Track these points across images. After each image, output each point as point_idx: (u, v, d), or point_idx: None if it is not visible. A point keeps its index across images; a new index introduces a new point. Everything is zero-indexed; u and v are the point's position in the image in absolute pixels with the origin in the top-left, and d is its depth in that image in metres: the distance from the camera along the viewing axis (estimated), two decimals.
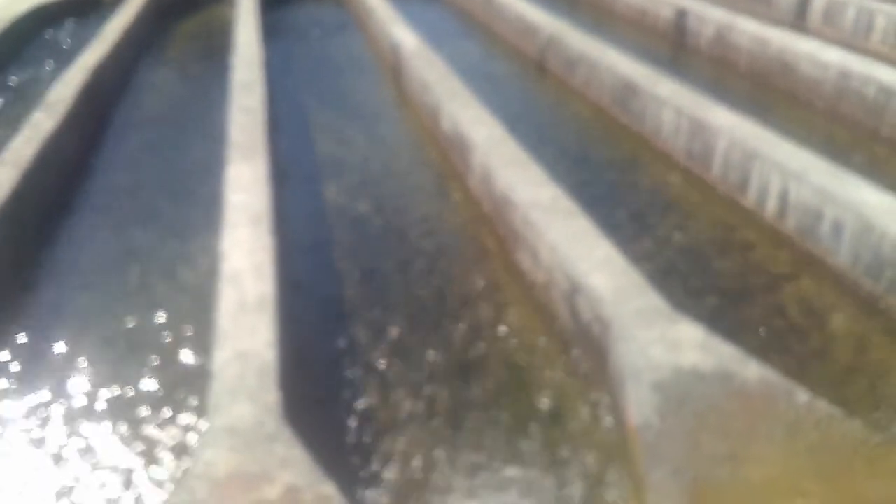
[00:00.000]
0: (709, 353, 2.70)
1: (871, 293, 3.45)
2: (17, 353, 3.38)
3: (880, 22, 6.71)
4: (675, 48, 7.60)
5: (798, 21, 7.70)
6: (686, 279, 3.70)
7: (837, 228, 3.64)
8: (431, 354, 3.25)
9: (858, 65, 5.43)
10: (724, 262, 3.86)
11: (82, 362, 3.31)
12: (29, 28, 9.34)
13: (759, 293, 3.59)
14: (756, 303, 3.52)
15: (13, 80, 7.71)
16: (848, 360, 3.14)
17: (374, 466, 2.71)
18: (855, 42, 6.80)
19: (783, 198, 3.97)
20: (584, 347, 3.12)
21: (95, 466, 2.77)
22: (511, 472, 2.63)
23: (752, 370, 2.61)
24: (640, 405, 2.51)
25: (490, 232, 4.20)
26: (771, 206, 4.08)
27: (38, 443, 2.87)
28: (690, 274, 3.76)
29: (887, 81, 5.07)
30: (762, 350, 2.89)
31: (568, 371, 3.11)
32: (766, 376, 2.58)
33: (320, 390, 3.10)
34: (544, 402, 2.95)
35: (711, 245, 4.01)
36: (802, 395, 2.48)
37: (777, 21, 7.39)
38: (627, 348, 2.76)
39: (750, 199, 4.24)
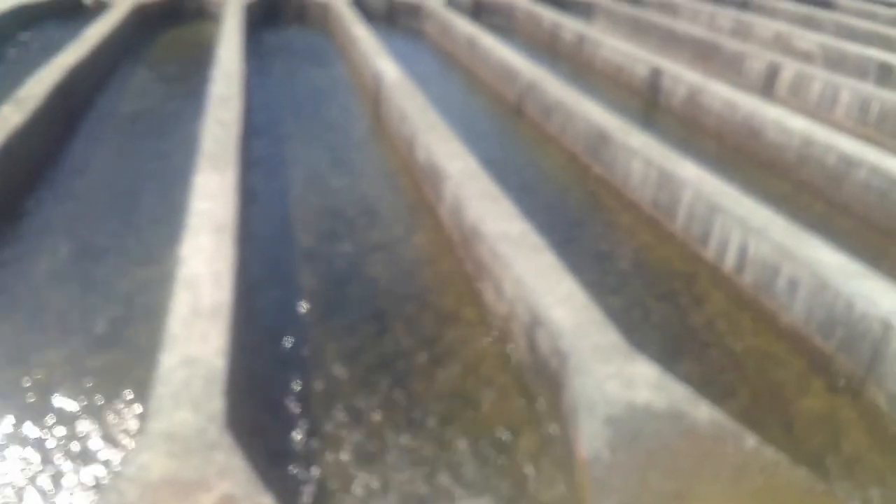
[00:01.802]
0: (662, 392, 2.71)
1: (822, 351, 3.52)
2: None
3: (845, 97, 7.01)
4: (648, 105, 7.82)
5: (766, 91, 8.01)
6: (637, 323, 3.73)
7: (793, 285, 3.73)
8: (384, 375, 3.21)
9: (821, 134, 5.64)
10: (679, 312, 3.90)
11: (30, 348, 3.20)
12: (7, 27, 9.25)
13: (711, 344, 3.63)
14: (706, 353, 3.56)
15: None
16: (793, 413, 3.18)
17: (316, 480, 2.64)
18: (819, 114, 7.08)
19: (742, 252, 4.06)
20: (541, 379, 3.10)
21: (26, 468, 2.66)
22: (457, 495, 2.58)
23: (703, 412, 2.62)
24: (591, 438, 2.50)
25: (456, 260, 4.20)
26: (730, 259, 4.16)
27: None
28: (641, 319, 3.80)
29: (847, 151, 5.27)
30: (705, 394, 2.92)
31: (522, 401, 3.09)
32: (717, 419, 2.59)
33: (269, 403, 3.02)
34: (496, 430, 2.91)
35: (668, 293, 4.07)
36: (750, 440, 2.50)
37: (746, 89, 7.66)
38: (583, 382, 2.76)
39: (710, 251, 4.33)
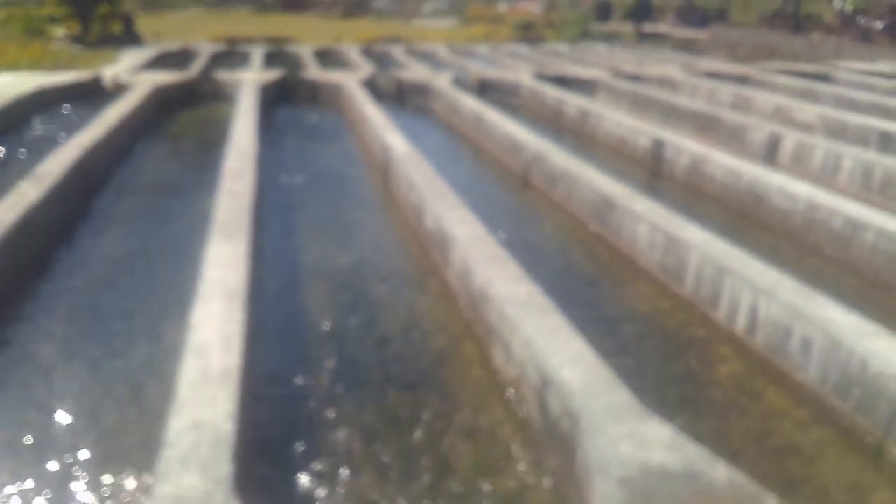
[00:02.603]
0: (677, 453, 2.65)
1: (839, 411, 3.45)
2: None
3: (847, 164, 7.11)
4: (652, 174, 7.95)
5: (768, 160, 8.14)
6: (649, 386, 3.68)
7: (806, 346, 3.69)
8: (392, 439, 3.16)
9: (826, 198, 5.70)
10: (692, 375, 3.86)
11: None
12: (29, 107, 9.63)
13: (727, 406, 3.57)
14: (722, 415, 3.49)
15: (6, 152, 7.90)
16: (814, 474, 3.09)
17: None
18: (822, 181, 7.16)
19: (753, 313, 4.04)
20: (552, 441, 3.05)
21: None
22: None
23: (721, 472, 2.56)
24: (605, 500, 2.43)
25: (465, 323, 4.20)
26: (741, 320, 4.14)
27: None
28: (653, 381, 3.75)
29: (853, 215, 5.30)
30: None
31: (535, 464, 3.03)
32: (735, 479, 2.52)
33: (277, 466, 2.97)
34: (509, 491, 2.85)
35: (680, 356, 4.03)
36: (770, 501, 2.42)
37: (749, 158, 7.79)
38: (596, 443, 2.71)
39: (721, 314, 4.31)
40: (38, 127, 9.24)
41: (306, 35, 21.79)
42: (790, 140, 8.06)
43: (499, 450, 3.13)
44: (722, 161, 6.98)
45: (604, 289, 4.91)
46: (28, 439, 3.12)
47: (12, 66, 12.76)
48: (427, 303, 4.55)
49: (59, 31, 18.55)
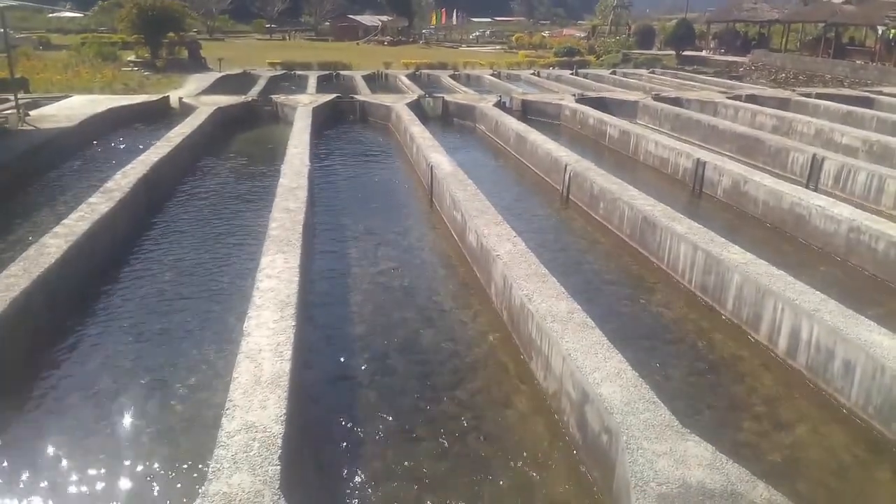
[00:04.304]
0: (716, 472, 2.66)
1: (883, 435, 3.41)
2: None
3: (892, 187, 7.01)
4: (693, 194, 7.95)
5: (810, 182, 8.06)
6: (691, 405, 3.69)
7: (848, 369, 3.66)
8: (432, 447, 3.25)
9: (869, 221, 5.64)
10: (733, 394, 3.85)
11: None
12: (102, 126, 10.21)
13: (769, 431, 3.55)
14: (764, 436, 3.48)
15: (78, 167, 8.35)
16: (857, 499, 3.06)
17: None
18: (866, 204, 7.08)
19: (795, 335, 4.02)
20: (591, 456, 3.09)
21: None
22: None
23: (761, 492, 2.56)
24: None
25: (505, 337, 4.28)
26: (783, 342, 4.12)
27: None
28: (694, 401, 3.75)
29: None
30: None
31: (573, 479, 3.07)
32: (775, 499, 2.53)
33: (324, 469, 3.08)
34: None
35: (721, 376, 4.02)
36: None
37: (790, 180, 7.73)
38: (634, 459, 2.74)
39: (762, 335, 4.29)
40: (109, 143, 9.76)
41: (358, 61, 22.36)
42: (832, 162, 7.98)
43: (536, 461, 3.18)
44: (763, 182, 6.96)
45: (642, 305, 4.92)
46: None
47: (86, 88, 13.52)
48: (469, 315, 4.63)
49: (131, 57, 19.64)
